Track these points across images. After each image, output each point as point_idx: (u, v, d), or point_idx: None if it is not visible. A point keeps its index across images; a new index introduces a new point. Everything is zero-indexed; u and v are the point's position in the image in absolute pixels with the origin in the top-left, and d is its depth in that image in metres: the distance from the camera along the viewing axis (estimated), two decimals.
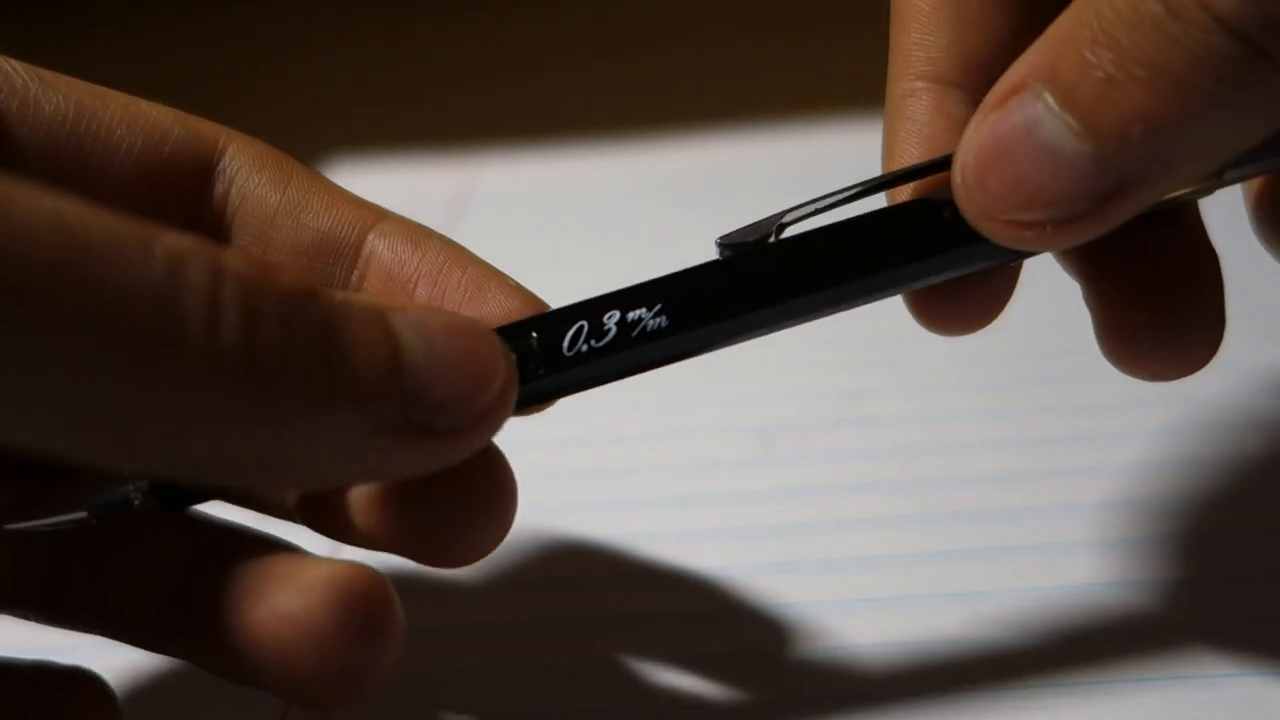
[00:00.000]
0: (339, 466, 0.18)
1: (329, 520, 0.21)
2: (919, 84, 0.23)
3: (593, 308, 0.21)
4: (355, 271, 0.23)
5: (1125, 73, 0.17)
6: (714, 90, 0.86)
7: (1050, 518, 0.28)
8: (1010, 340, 0.35)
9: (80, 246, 0.15)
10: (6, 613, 0.22)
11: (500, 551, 0.27)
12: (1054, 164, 0.18)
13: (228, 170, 0.23)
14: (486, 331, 0.19)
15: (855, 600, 0.26)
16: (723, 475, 0.32)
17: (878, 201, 0.22)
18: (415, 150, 0.58)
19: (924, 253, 0.20)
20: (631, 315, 0.20)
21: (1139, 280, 0.21)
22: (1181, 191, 0.20)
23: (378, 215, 0.23)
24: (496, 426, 0.19)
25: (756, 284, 0.21)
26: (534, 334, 0.20)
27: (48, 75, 0.22)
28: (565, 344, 0.20)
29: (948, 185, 0.20)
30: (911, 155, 0.22)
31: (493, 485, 0.20)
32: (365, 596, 0.19)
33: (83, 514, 0.20)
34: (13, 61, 0.22)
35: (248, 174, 0.23)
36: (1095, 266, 0.22)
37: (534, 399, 0.21)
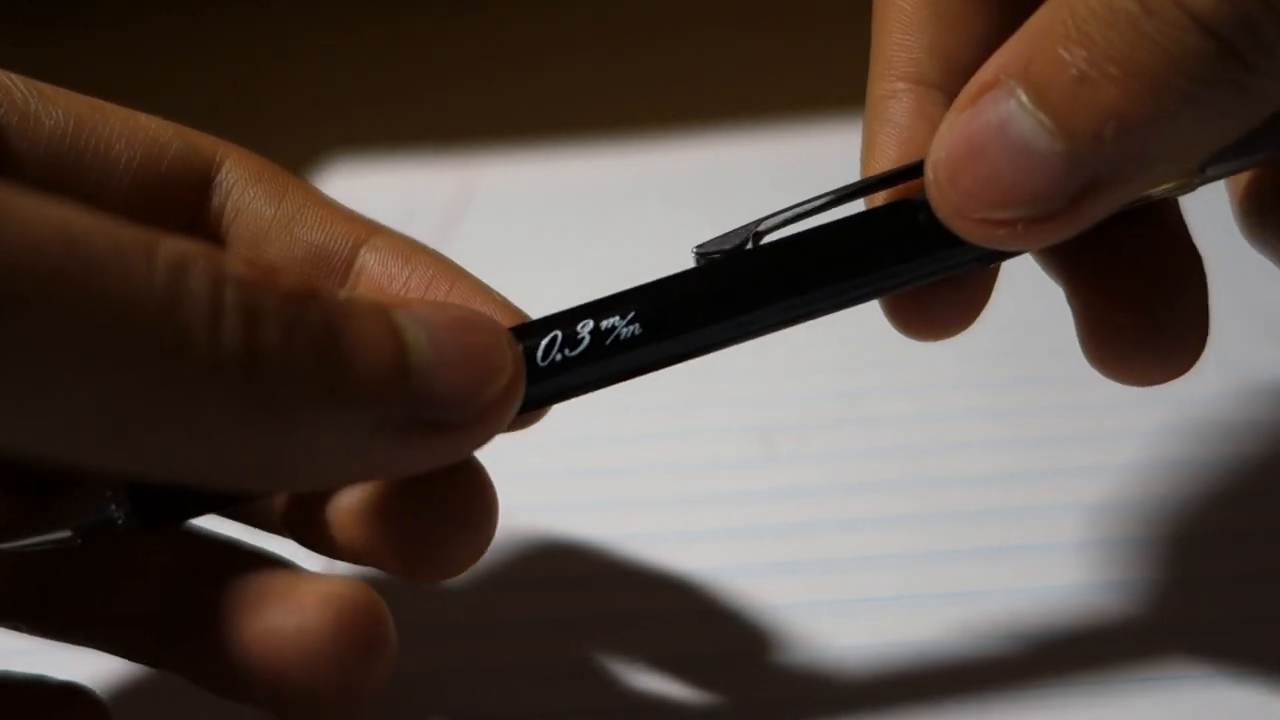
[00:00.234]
0: (343, 466, 0.18)
1: (314, 534, 0.21)
2: (900, 85, 0.22)
3: (567, 318, 0.21)
4: (347, 285, 0.23)
5: (1099, 70, 0.17)
6: (714, 90, 0.86)
7: (1050, 518, 0.28)
8: (1010, 340, 0.35)
9: (83, 254, 0.15)
10: (0, 625, 0.22)
11: (500, 552, 0.27)
12: (1027, 162, 0.18)
13: (224, 183, 0.23)
14: (492, 324, 0.19)
15: (855, 600, 0.26)
16: (723, 475, 0.32)
17: (857, 206, 0.22)
18: (415, 150, 0.58)
19: (900, 257, 0.20)
20: (605, 324, 0.20)
21: (1118, 280, 0.21)
22: (1161, 188, 0.20)
23: (370, 230, 0.23)
24: (504, 421, 0.19)
25: (730, 292, 0.21)
26: None
27: (47, 89, 0.22)
28: (540, 354, 0.20)
29: (924, 188, 0.20)
30: (890, 158, 0.22)
31: (473, 498, 0.20)
32: (360, 612, 0.19)
33: (67, 533, 0.20)
34: (12, 75, 0.22)
35: (244, 187, 0.23)
36: (1074, 267, 0.22)
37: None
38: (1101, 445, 0.31)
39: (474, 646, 0.26)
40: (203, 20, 1.26)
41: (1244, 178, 0.22)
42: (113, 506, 0.20)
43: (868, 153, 0.23)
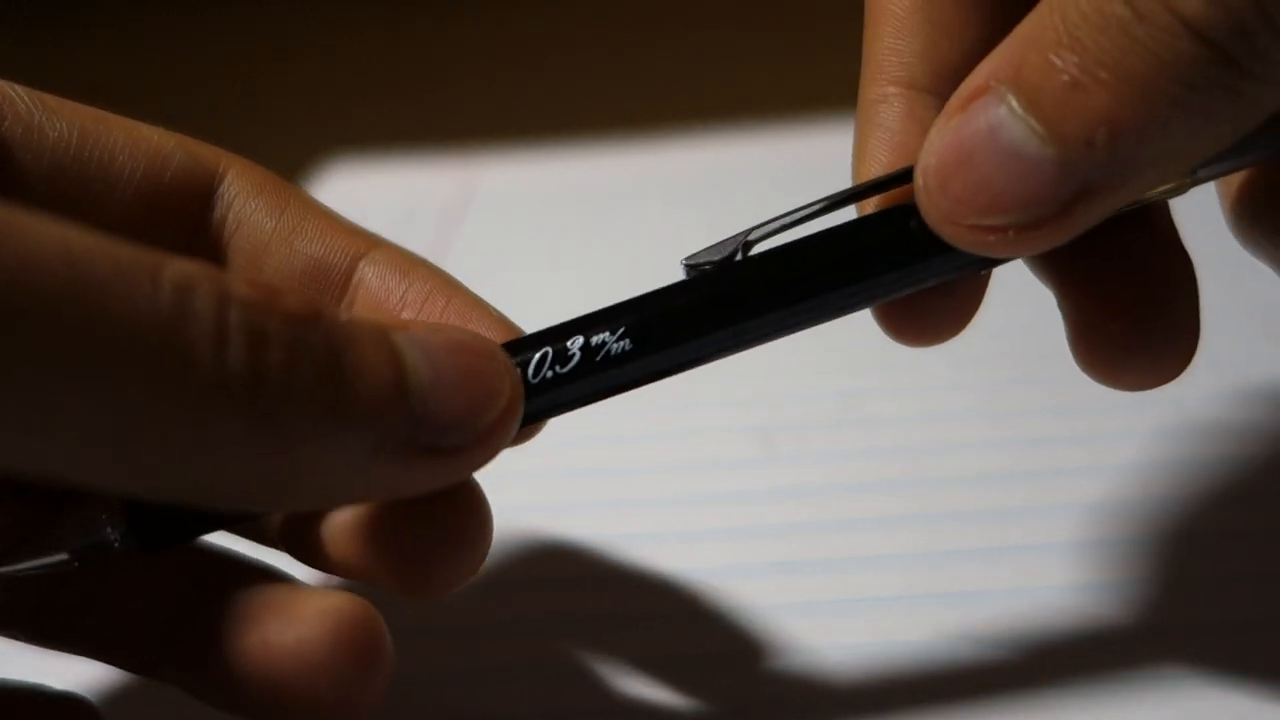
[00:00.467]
0: (345, 485, 0.18)
1: (310, 550, 0.21)
2: (891, 90, 0.22)
3: (556, 334, 0.20)
4: (345, 299, 0.23)
5: (1090, 76, 0.17)
6: (714, 90, 0.86)
7: (1049, 518, 0.28)
8: (1009, 341, 0.35)
9: (87, 276, 0.15)
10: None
11: (500, 552, 0.27)
12: (1017, 168, 0.18)
13: (226, 195, 0.23)
14: (490, 347, 0.19)
15: (855, 600, 0.26)
16: (723, 475, 0.32)
17: (848, 214, 0.21)
18: (415, 150, 0.58)
19: (891, 265, 0.20)
20: (595, 339, 0.20)
21: (1109, 285, 0.21)
22: (1153, 191, 0.20)
23: (370, 244, 0.23)
24: (503, 443, 0.19)
25: (720, 304, 0.20)
26: None
27: (51, 101, 0.22)
28: (530, 370, 0.20)
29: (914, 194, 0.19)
30: (882, 163, 0.22)
31: (468, 516, 0.20)
32: (358, 626, 0.19)
33: (63, 556, 0.20)
34: (16, 87, 0.22)
35: (245, 199, 0.23)
36: (1064, 272, 0.22)
37: None
38: (1100, 445, 0.31)
39: (474, 646, 0.26)
40: (203, 20, 1.26)
41: (1236, 179, 0.22)
42: (109, 529, 0.20)
43: (859, 158, 0.22)
